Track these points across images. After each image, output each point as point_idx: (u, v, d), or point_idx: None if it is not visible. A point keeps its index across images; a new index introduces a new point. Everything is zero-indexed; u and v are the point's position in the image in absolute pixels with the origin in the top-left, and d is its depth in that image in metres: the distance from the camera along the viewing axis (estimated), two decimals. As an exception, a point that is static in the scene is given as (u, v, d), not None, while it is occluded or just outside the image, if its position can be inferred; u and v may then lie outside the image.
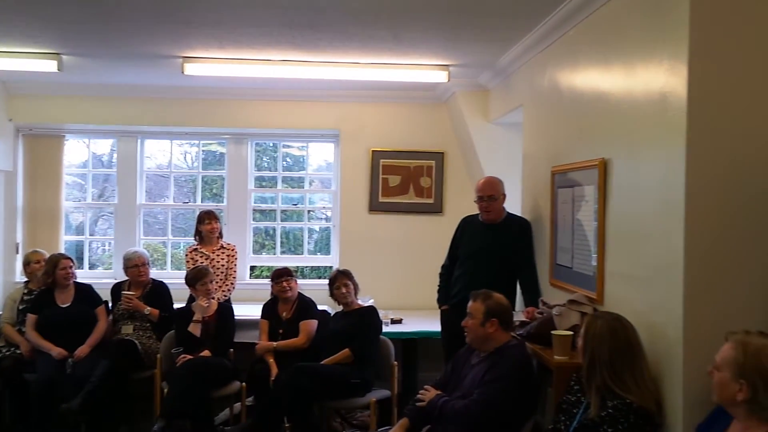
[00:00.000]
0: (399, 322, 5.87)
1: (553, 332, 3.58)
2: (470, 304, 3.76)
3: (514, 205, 5.11)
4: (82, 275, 6.10)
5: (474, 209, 4.94)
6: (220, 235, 5.96)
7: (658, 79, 2.99)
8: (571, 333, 3.53)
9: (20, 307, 5.52)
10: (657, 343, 2.98)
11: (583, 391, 3.12)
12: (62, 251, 6.25)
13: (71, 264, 5.49)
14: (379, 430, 4.52)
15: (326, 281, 5.33)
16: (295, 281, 5.37)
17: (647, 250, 3.08)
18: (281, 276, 5.30)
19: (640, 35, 3.21)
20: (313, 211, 7.50)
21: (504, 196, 4.82)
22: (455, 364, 3.93)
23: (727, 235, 2.76)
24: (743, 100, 2.75)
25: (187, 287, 5.34)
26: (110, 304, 5.62)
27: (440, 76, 5.59)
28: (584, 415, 2.99)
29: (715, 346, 2.50)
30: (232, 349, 5.32)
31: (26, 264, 5.82)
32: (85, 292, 5.53)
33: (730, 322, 2.63)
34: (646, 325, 3.04)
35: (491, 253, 4.75)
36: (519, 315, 4.34)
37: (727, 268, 2.76)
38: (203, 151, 7.33)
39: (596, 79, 3.78)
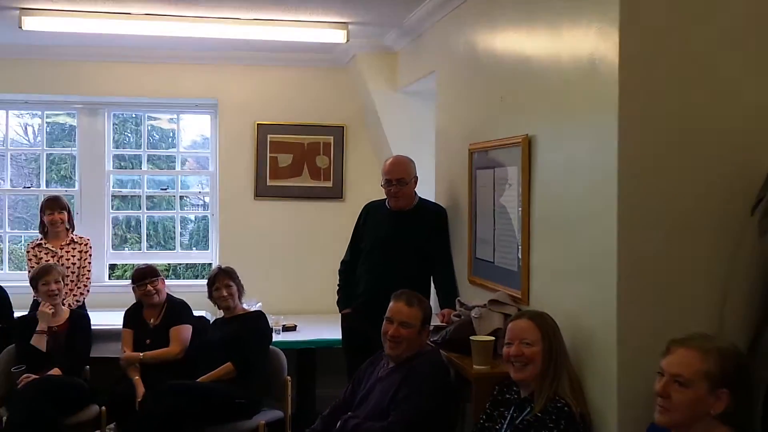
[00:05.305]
0: (292, 329, 5.87)
1: (472, 338, 3.63)
2: (403, 308, 3.76)
3: (426, 188, 5.17)
4: None
5: (380, 194, 4.98)
6: (71, 227, 5.79)
7: (587, 43, 3.06)
8: (492, 339, 3.60)
9: None
10: (587, 348, 3.07)
11: (508, 404, 3.20)
12: None
13: None
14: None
15: (205, 281, 5.27)
16: (162, 281, 5.29)
17: (577, 241, 3.16)
18: (144, 278, 5.20)
19: (567, -8, 3.29)
20: (186, 197, 7.38)
21: (416, 179, 4.86)
22: (357, 380, 3.96)
23: (667, 221, 2.84)
24: (680, 66, 2.85)
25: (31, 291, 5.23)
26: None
27: (338, 36, 5.59)
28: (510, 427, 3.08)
29: (654, 352, 2.57)
30: (88, 366, 5.20)
31: None
32: None
33: (670, 323, 2.74)
34: (575, 328, 3.14)
35: (401, 245, 4.80)
36: (433, 318, 4.41)
37: (667, 260, 2.84)
38: (48, 123, 7.09)
39: (519, 42, 3.84)
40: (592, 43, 3.03)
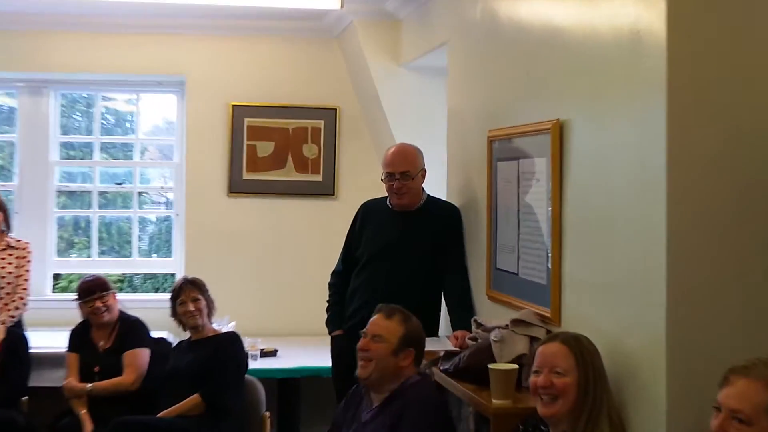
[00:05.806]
0: (272, 354, 5.89)
1: (491, 366, 3.60)
2: (380, 320, 3.74)
3: (436, 184, 5.19)
4: None
5: (380, 190, 4.99)
6: (7, 229, 5.80)
7: (629, 12, 3.06)
8: (515, 367, 3.58)
9: None
10: (631, 378, 3.06)
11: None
12: None
13: None
14: None
15: (167, 296, 5.28)
16: (114, 296, 5.31)
17: (619, 248, 3.15)
18: (92, 292, 5.20)
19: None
20: (146, 193, 7.39)
21: (423, 172, 4.89)
22: (336, 426, 3.90)
23: (726, 225, 2.83)
24: (741, 39, 2.84)
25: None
26: None
27: (330, 1, 5.60)
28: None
29: (710, 382, 2.57)
30: (25, 398, 5.22)
31: None
32: None
33: (729, 348, 2.73)
34: (617, 353, 3.12)
35: (404, 253, 4.81)
36: (444, 341, 4.39)
37: (726, 271, 2.83)
38: (-18, 104, 7.14)
39: (548, 9, 3.85)
40: (634, 10, 3.03)
